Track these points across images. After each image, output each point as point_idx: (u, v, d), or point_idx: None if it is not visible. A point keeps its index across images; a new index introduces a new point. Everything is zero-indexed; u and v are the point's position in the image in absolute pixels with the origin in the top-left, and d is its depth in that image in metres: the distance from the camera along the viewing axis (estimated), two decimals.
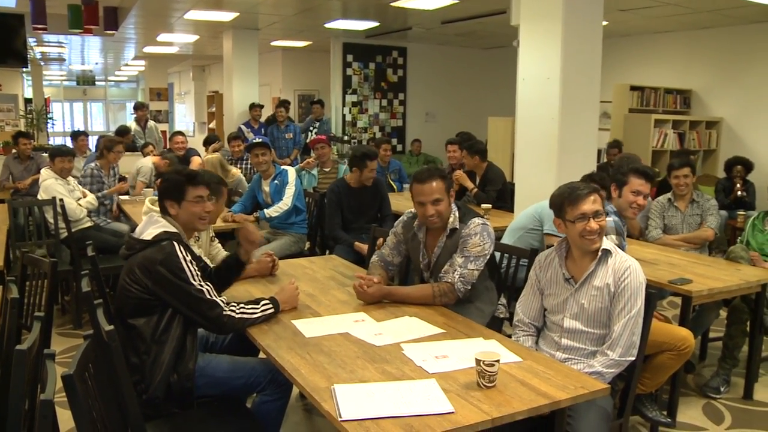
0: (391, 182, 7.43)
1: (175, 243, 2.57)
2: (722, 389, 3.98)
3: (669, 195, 4.86)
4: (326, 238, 5.39)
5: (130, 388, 2.13)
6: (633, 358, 2.57)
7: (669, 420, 3.42)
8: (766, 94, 8.46)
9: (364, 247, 4.88)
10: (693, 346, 3.13)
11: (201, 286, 2.55)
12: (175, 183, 2.76)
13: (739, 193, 7.20)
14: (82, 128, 15.34)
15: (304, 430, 3.51)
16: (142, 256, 2.55)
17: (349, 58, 11.78)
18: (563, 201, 2.67)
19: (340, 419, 1.86)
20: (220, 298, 2.61)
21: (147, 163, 6.78)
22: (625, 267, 2.61)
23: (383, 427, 1.83)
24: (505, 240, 4.06)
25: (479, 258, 3.02)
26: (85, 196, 5.62)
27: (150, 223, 2.67)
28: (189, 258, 2.57)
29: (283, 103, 10.24)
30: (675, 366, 3.17)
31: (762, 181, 7.42)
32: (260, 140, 5.65)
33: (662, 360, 3.11)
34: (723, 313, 4.41)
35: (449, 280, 2.98)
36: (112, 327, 2.08)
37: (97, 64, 18.15)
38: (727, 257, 4.20)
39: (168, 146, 8.66)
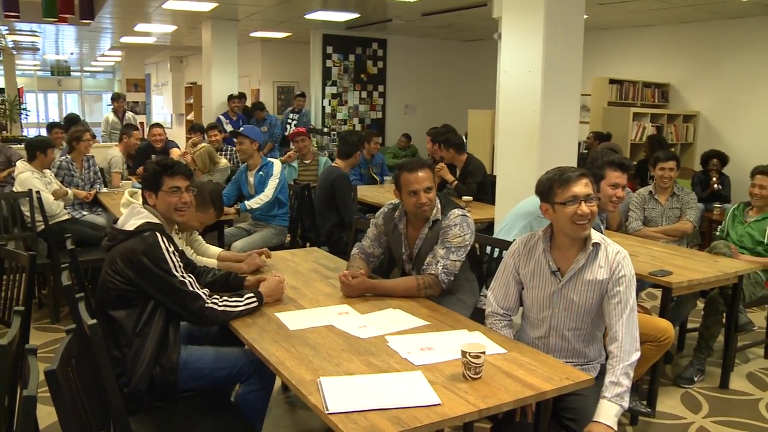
0: (374, 175, 7.42)
1: (158, 234, 2.55)
2: (696, 379, 4.04)
3: (650, 187, 4.91)
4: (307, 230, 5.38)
5: (113, 383, 2.10)
6: (638, 353, 2.44)
7: (649, 410, 3.46)
8: (742, 89, 8.57)
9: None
10: (673, 337, 3.17)
11: (183, 277, 2.53)
12: (152, 173, 2.74)
13: (715, 186, 7.29)
14: (57, 120, 15.11)
15: (287, 423, 3.51)
16: (125, 247, 2.52)
17: (329, 49, 11.73)
18: (552, 183, 2.51)
19: (327, 412, 1.85)
20: (203, 291, 2.58)
21: (116, 153, 6.69)
22: (620, 259, 2.49)
23: (371, 419, 1.82)
24: (505, 229, 4.03)
25: (460, 249, 3.03)
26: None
27: (132, 214, 2.64)
28: (172, 249, 2.55)
29: (259, 105, 10.24)
30: (655, 357, 3.21)
31: (737, 174, 7.51)
32: (239, 129, 5.63)
33: (643, 351, 3.08)
34: (699, 305, 4.48)
35: (433, 272, 2.98)
36: (94, 321, 2.05)
37: (72, 54, 17.89)
38: (709, 251, 4.25)
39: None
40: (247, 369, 2.63)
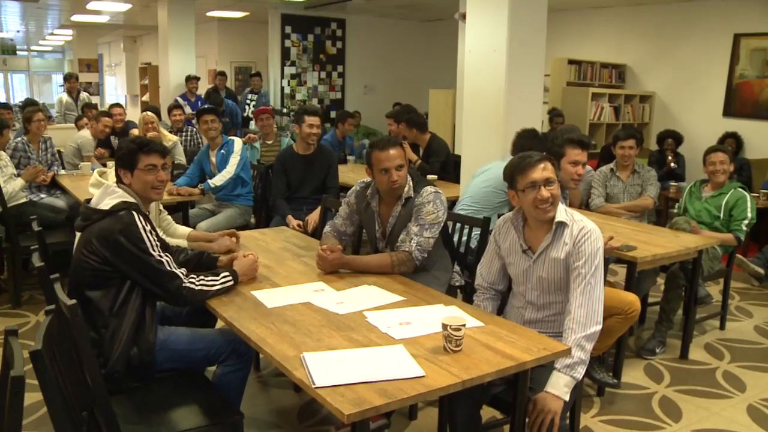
0: (347, 156, 7.43)
1: (135, 213, 2.51)
2: (658, 350, 4.17)
3: (611, 165, 5.01)
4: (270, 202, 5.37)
5: (95, 363, 2.08)
6: (599, 326, 2.47)
7: (615, 381, 3.56)
8: (696, 70, 8.77)
9: (293, 221, 4.83)
10: (639, 310, 3.26)
11: (161, 257, 2.50)
12: (128, 151, 2.68)
13: (671, 165, 7.47)
14: (3, 100, 14.65)
15: (261, 402, 3.51)
16: (100, 227, 2.47)
17: (288, 29, 11.61)
18: (513, 171, 2.62)
19: (314, 386, 1.87)
20: (180, 270, 2.56)
21: (85, 135, 6.55)
22: (584, 233, 2.54)
23: (357, 392, 1.84)
24: (466, 200, 4.10)
25: (434, 226, 3.06)
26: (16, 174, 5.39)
27: (107, 193, 2.59)
28: (149, 228, 2.52)
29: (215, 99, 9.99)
30: (622, 329, 3.29)
31: (691, 153, 7.70)
32: (209, 106, 5.54)
33: (610, 324, 3.20)
34: (660, 280, 4.61)
35: (406, 249, 3.00)
36: (74, 301, 2.01)
37: (18, 32, 17.29)
38: (670, 227, 4.37)
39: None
40: (224, 350, 2.62)
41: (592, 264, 2.51)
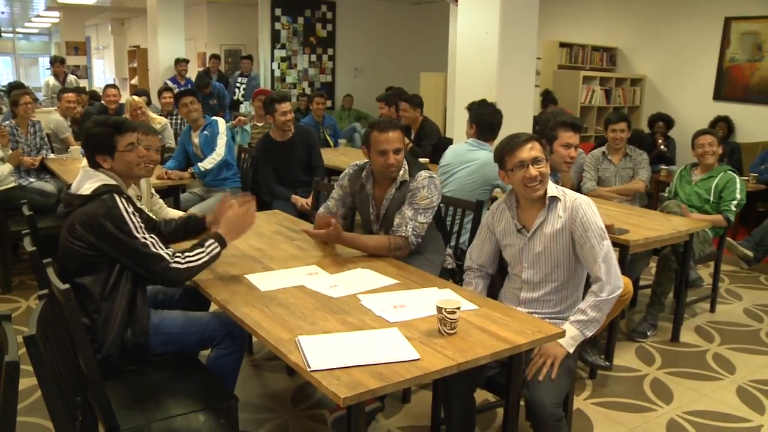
0: (328, 137, 7.36)
1: (116, 195, 2.46)
2: (649, 333, 4.20)
3: (603, 148, 5.02)
4: (263, 194, 5.33)
5: (88, 347, 2.06)
6: (620, 289, 2.55)
7: (607, 363, 3.58)
8: (687, 54, 8.77)
9: (299, 200, 4.85)
10: (631, 293, 3.28)
11: (145, 239, 2.45)
12: (103, 136, 2.59)
13: (662, 147, 7.48)
14: None
15: (254, 386, 3.51)
16: (83, 212, 2.42)
17: (278, 11, 11.52)
18: (502, 151, 2.66)
19: (309, 369, 1.86)
20: (167, 251, 2.50)
21: (56, 118, 6.44)
22: (576, 205, 2.59)
23: (353, 375, 1.84)
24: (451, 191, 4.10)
25: (428, 210, 3.05)
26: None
27: (86, 177, 2.53)
28: (132, 210, 2.47)
29: (202, 81, 9.87)
30: (616, 311, 3.31)
31: (682, 136, 7.71)
32: (187, 88, 5.49)
33: None
34: (651, 263, 4.63)
35: (403, 234, 3.00)
36: (67, 286, 1.99)
37: (2, 13, 17.04)
38: (661, 210, 4.39)
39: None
40: (218, 333, 2.61)
41: (597, 229, 2.56)
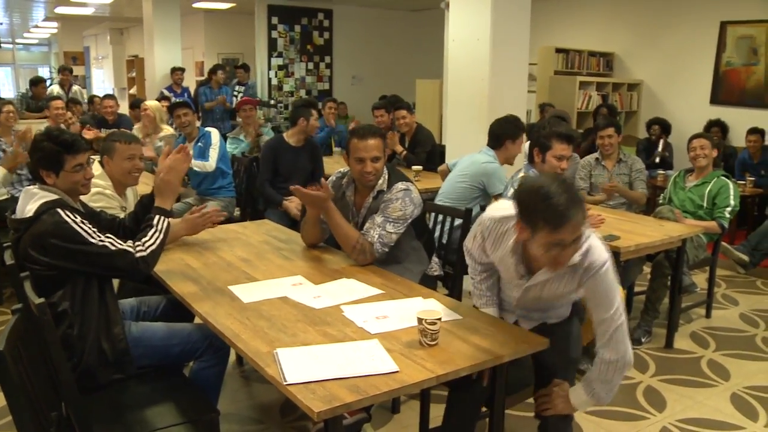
0: (333, 144, 7.39)
1: (59, 210, 2.39)
2: (644, 340, 4.17)
3: (596, 154, 4.99)
4: (255, 192, 5.33)
5: (64, 361, 2.03)
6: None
7: None
8: (683, 58, 8.74)
9: (291, 206, 4.83)
10: (623, 299, 3.23)
11: (102, 241, 2.39)
12: (51, 153, 2.51)
13: (665, 153, 7.46)
14: None
15: (243, 397, 3.48)
16: (30, 235, 2.36)
17: (274, 20, 11.52)
18: (539, 218, 2.03)
19: (285, 383, 1.84)
20: (126, 244, 2.44)
21: (48, 126, 6.44)
22: (590, 272, 2.18)
23: (329, 389, 1.81)
24: (442, 195, 4.10)
25: (399, 221, 3.00)
26: None
27: (27, 198, 2.47)
28: (79, 219, 2.40)
29: (221, 67, 9.97)
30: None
31: (679, 141, 7.68)
32: (182, 100, 5.48)
33: None
34: (646, 269, 4.60)
35: (369, 239, 2.98)
36: (42, 300, 1.97)
37: (1, 24, 17.10)
38: (654, 216, 4.36)
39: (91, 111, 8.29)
40: (201, 345, 2.58)
41: (612, 302, 2.21)
